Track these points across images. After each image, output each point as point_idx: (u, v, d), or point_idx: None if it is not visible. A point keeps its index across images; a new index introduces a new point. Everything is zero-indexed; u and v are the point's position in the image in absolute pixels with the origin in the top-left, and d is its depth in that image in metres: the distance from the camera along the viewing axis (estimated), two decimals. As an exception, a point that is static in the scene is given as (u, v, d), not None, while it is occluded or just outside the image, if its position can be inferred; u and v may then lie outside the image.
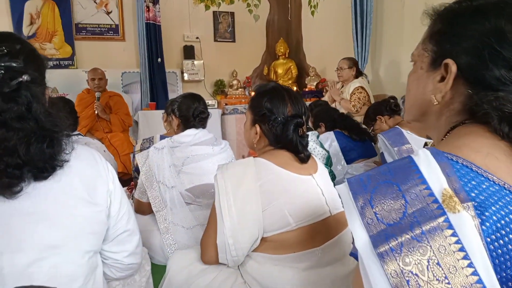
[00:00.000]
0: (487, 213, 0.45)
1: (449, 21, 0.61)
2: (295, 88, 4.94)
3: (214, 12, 5.23)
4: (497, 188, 0.47)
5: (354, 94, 3.31)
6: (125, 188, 2.68)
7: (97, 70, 3.71)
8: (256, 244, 1.03)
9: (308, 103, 3.45)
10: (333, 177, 1.89)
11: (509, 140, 0.52)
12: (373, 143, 2.45)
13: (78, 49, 4.66)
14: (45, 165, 0.78)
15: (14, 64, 0.78)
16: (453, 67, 0.58)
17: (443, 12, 0.63)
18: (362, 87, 3.32)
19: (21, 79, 0.77)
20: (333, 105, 3.28)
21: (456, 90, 0.59)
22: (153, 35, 4.64)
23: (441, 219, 0.45)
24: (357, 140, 2.25)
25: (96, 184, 0.89)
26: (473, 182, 0.48)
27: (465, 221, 0.44)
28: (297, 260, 1.00)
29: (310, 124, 2.63)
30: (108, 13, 4.79)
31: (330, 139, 2.23)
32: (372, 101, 3.42)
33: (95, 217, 0.88)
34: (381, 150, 2.16)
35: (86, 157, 0.90)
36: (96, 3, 4.74)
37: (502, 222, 0.45)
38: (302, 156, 1.09)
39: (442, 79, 0.60)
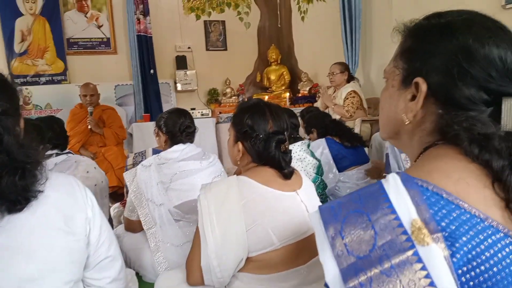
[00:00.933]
0: (457, 244, 0.43)
1: (419, 38, 0.60)
2: (288, 94, 4.94)
3: (205, 21, 5.24)
4: (468, 216, 0.46)
5: (347, 99, 3.31)
6: (119, 203, 2.67)
7: (89, 85, 3.70)
8: (241, 265, 1.01)
9: (301, 109, 3.44)
10: (324, 186, 1.87)
11: (479, 162, 0.50)
12: (365, 148, 2.43)
13: (70, 64, 4.66)
14: (18, 197, 0.76)
15: None
16: (423, 86, 0.56)
17: (413, 29, 0.62)
18: (355, 91, 3.32)
19: None
20: (326, 111, 3.27)
21: (427, 110, 0.58)
22: (144, 47, 4.65)
23: (410, 252, 0.44)
24: (349, 147, 2.24)
25: (73, 212, 0.87)
26: (443, 211, 0.46)
27: (435, 254, 0.43)
28: (282, 279, 0.98)
29: (302, 130, 2.62)
30: (99, 27, 4.80)
31: (321, 147, 2.22)
32: (365, 105, 3.42)
33: (74, 246, 0.86)
34: (386, 151, 2.13)
35: (63, 185, 0.89)
36: (87, 18, 4.75)
37: (473, 252, 0.43)
38: (286, 172, 1.08)
39: (413, 97, 0.59)
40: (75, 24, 4.71)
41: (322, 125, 2.42)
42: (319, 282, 1.02)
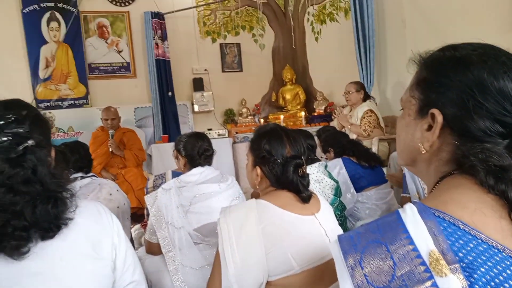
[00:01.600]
0: (475, 275, 0.44)
1: (434, 70, 0.61)
2: (303, 113, 4.97)
3: (220, 44, 5.38)
4: (485, 247, 0.46)
5: (364, 118, 3.31)
6: (139, 224, 2.71)
7: (110, 109, 3.83)
8: (262, 289, 1.02)
9: (316, 128, 3.46)
10: (343, 207, 1.87)
11: (495, 193, 0.51)
12: (383, 168, 2.42)
13: (91, 88, 4.85)
14: (50, 225, 0.81)
15: (21, 130, 0.82)
16: (439, 118, 0.57)
17: (428, 60, 0.63)
18: (371, 110, 3.32)
19: (26, 144, 0.81)
20: (342, 131, 3.28)
21: (444, 140, 0.59)
22: (163, 70, 4.79)
23: (429, 283, 0.45)
24: (367, 167, 2.23)
25: (101, 238, 0.91)
26: (460, 241, 0.47)
27: (453, 285, 0.43)
28: (303, 305, 0.99)
29: (319, 149, 2.62)
30: (119, 52, 4.99)
31: (338, 167, 2.22)
32: (382, 124, 3.41)
33: (101, 272, 0.89)
34: (404, 171, 2.12)
35: (91, 212, 0.93)
36: (108, 43, 4.95)
37: (492, 283, 0.44)
38: (304, 196, 1.09)
39: (430, 127, 0.60)
40: (96, 50, 4.92)
41: (339, 145, 2.42)
42: (340, 307, 1.01)
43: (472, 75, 0.55)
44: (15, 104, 0.87)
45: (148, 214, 2.04)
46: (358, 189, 2.18)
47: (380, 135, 3.26)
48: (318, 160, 2.03)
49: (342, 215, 1.85)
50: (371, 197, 2.19)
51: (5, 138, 0.80)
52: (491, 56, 0.56)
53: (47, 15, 4.62)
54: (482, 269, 0.45)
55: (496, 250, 0.46)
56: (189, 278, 1.54)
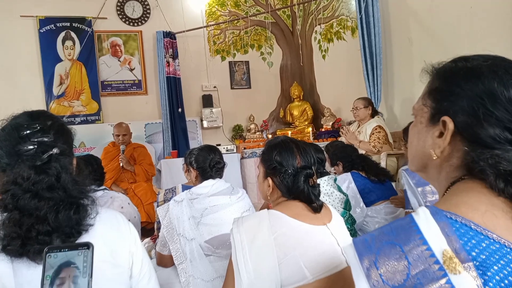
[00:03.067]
0: (489, 273, 0.46)
1: (446, 80, 0.63)
2: (311, 129, 5.00)
3: (229, 62, 5.49)
4: (498, 246, 0.48)
5: (373, 134, 3.32)
6: (149, 238, 2.72)
7: (122, 125, 3.90)
8: (275, 299, 1.02)
9: (324, 143, 3.48)
10: (352, 221, 1.87)
11: (505, 196, 0.53)
12: (392, 183, 2.42)
13: (104, 104, 4.95)
14: (72, 230, 0.84)
15: (46, 139, 0.86)
16: (450, 125, 0.60)
17: (440, 70, 0.66)
18: (380, 126, 3.34)
19: (51, 152, 0.85)
20: (351, 146, 3.28)
21: (454, 146, 0.61)
22: (173, 87, 4.89)
23: (443, 281, 0.46)
24: (376, 181, 2.23)
25: (118, 245, 0.93)
26: (473, 241, 0.49)
27: (467, 282, 0.45)
28: (316, 315, 0.99)
29: (328, 163, 2.63)
30: (131, 70, 5.12)
31: (347, 181, 2.22)
32: (391, 140, 3.42)
33: (118, 279, 0.91)
34: (404, 187, 2.12)
35: (110, 220, 0.96)
36: (120, 61, 5.09)
37: (506, 281, 0.45)
38: (315, 205, 1.11)
39: (441, 134, 0.62)
40: (109, 68, 5.05)
41: (348, 159, 2.43)
42: (352, 317, 1.01)
43: (483, 85, 0.57)
44: (41, 114, 0.92)
45: (158, 228, 2.06)
46: (368, 203, 2.18)
47: (389, 151, 3.27)
48: (327, 173, 2.04)
49: (352, 228, 1.85)
50: (381, 211, 2.18)
51: (31, 147, 0.84)
52: (501, 67, 0.58)
53: (62, 34, 4.79)
54: (495, 267, 0.46)
55: (508, 249, 0.48)
56: (200, 290, 1.54)
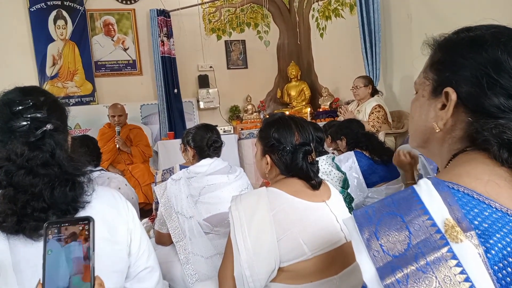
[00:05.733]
0: (491, 241, 0.46)
1: (448, 51, 0.62)
2: (309, 109, 4.98)
3: (225, 41, 5.40)
4: (500, 214, 0.48)
5: (373, 113, 3.29)
6: (147, 218, 2.73)
7: (117, 106, 3.85)
8: (274, 275, 1.03)
9: (322, 123, 3.46)
10: (350, 199, 1.87)
11: (508, 166, 0.52)
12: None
13: (98, 85, 4.88)
14: (68, 207, 0.83)
15: (39, 115, 0.84)
16: (453, 95, 0.59)
17: (443, 42, 0.65)
18: (379, 106, 3.31)
19: (45, 128, 0.83)
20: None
21: (457, 118, 0.60)
22: (168, 67, 4.82)
23: (445, 249, 0.46)
24: (379, 162, 2.18)
25: (116, 223, 0.93)
26: (475, 210, 0.48)
27: (469, 250, 0.45)
28: (315, 289, 1.00)
29: (326, 144, 2.61)
30: (125, 49, 5.02)
31: (350, 160, 2.18)
32: (390, 119, 3.41)
33: (117, 255, 0.91)
34: (420, 171, 2.05)
35: (107, 197, 0.95)
36: (114, 41, 4.99)
37: (508, 249, 0.45)
38: (314, 182, 1.10)
39: (443, 106, 0.61)
40: (103, 48, 4.96)
41: (353, 135, 2.31)
42: (351, 292, 1.03)
43: (486, 53, 0.56)
44: (34, 90, 0.89)
45: (156, 209, 2.06)
46: (370, 184, 2.15)
47: (387, 130, 3.26)
48: (326, 152, 2.03)
49: (350, 207, 1.85)
50: (382, 192, 2.16)
51: (24, 123, 0.82)
52: (505, 35, 0.57)
53: (54, 13, 4.67)
54: (498, 235, 0.46)
55: (511, 218, 0.47)
56: (199, 267, 1.56)
